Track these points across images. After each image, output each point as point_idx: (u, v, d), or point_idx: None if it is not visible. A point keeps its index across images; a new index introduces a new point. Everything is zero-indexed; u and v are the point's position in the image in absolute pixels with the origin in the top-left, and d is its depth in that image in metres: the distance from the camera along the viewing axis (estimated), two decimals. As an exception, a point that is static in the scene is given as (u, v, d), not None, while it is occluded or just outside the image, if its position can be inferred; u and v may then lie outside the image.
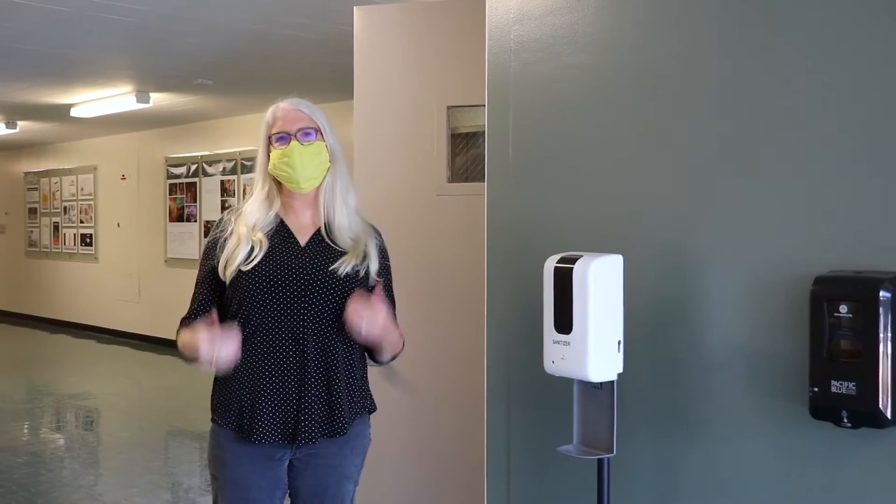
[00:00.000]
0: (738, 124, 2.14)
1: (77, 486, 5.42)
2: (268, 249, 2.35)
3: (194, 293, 2.44)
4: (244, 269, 2.33)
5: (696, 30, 2.22)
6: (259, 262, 2.34)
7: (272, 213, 2.41)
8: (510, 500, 2.59)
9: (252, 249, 2.35)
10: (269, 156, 2.41)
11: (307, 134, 2.38)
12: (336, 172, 2.43)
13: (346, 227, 2.41)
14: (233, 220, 2.43)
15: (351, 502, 2.48)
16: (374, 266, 2.41)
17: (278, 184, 2.42)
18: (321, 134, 2.40)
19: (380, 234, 2.51)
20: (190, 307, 2.43)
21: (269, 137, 2.41)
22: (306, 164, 2.36)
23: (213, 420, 2.43)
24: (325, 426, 2.36)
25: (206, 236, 2.47)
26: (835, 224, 1.98)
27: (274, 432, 2.32)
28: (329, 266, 2.35)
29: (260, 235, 2.37)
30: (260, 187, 2.44)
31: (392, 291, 2.51)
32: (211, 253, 2.41)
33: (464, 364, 3.09)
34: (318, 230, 2.41)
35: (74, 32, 5.64)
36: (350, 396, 2.40)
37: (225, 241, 2.39)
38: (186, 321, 2.39)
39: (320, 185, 2.42)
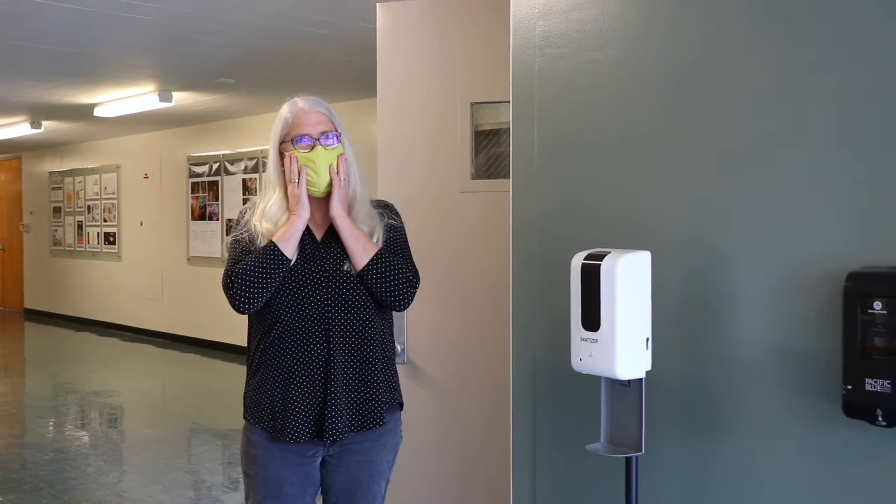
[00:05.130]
0: (767, 118, 2.11)
1: (102, 482, 5.46)
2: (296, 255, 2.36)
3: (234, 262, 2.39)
4: None
5: (722, 23, 2.19)
6: (292, 273, 2.34)
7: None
8: (536, 498, 2.57)
9: None
10: (281, 156, 2.38)
11: (328, 137, 2.37)
12: (350, 173, 2.42)
13: (357, 223, 2.40)
14: (252, 221, 2.41)
15: (382, 499, 2.48)
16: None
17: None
18: (340, 137, 2.40)
19: (388, 208, 2.51)
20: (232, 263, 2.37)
21: (288, 138, 2.37)
22: (325, 170, 2.36)
23: (245, 418, 2.44)
24: (357, 420, 2.36)
25: (228, 235, 2.45)
26: (868, 219, 1.94)
27: (305, 430, 2.33)
28: (342, 264, 2.36)
29: None
30: (273, 189, 2.40)
31: (402, 245, 2.47)
32: (238, 248, 2.40)
33: (489, 361, 3.07)
34: (332, 225, 2.41)
35: (98, 32, 5.67)
36: (386, 386, 2.41)
37: (249, 242, 2.38)
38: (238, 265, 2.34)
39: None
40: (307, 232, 2.40)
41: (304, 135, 2.35)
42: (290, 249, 2.32)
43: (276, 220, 2.37)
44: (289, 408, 2.33)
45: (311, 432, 2.33)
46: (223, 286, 2.34)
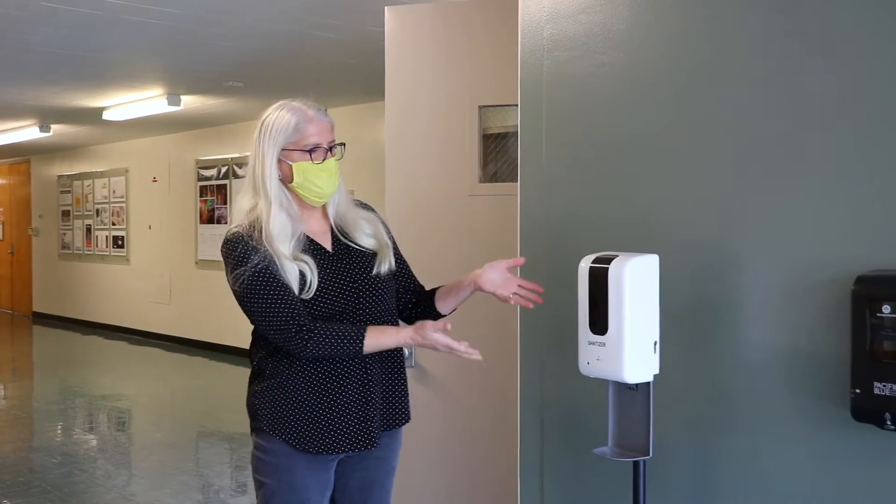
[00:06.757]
0: (776, 120, 2.10)
1: (110, 486, 5.47)
2: (318, 272, 2.27)
3: (277, 308, 2.21)
4: (305, 297, 2.24)
5: (731, 28, 2.18)
6: (317, 289, 2.26)
7: (299, 228, 2.30)
8: (544, 502, 2.56)
9: (302, 274, 2.25)
10: (278, 165, 2.28)
11: (336, 148, 2.32)
12: (341, 177, 2.39)
13: (361, 226, 2.38)
14: (266, 244, 2.23)
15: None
16: (391, 252, 2.43)
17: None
18: (343, 146, 2.35)
19: (374, 210, 2.49)
20: (289, 315, 2.21)
21: (297, 146, 2.26)
22: (336, 179, 2.32)
23: (262, 428, 2.33)
24: (390, 419, 2.40)
25: (237, 267, 2.26)
26: (877, 222, 1.94)
27: (343, 443, 2.30)
28: (368, 271, 2.35)
29: (306, 259, 2.26)
30: (268, 202, 2.26)
31: (403, 257, 2.54)
32: (270, 282, 2.22)
33: (497, 364, 3.06)
34: (332, 232, 2.38)
35: (107, 36, 5.69)
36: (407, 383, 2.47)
37: (272, 273, 2.22)
38: (306, 328, 2.21)
39: None
40: (317, 245, 2.33)
41: (318, 145, 2.27)
42: (369, 350, 2.25)
43: (287, 237, 2.25)
44: (327, 422, 2.27)
45: (346, 444, 2.30)
46: (288, 333, 2.20)
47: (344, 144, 2.35)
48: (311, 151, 2.27)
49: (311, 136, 2.27)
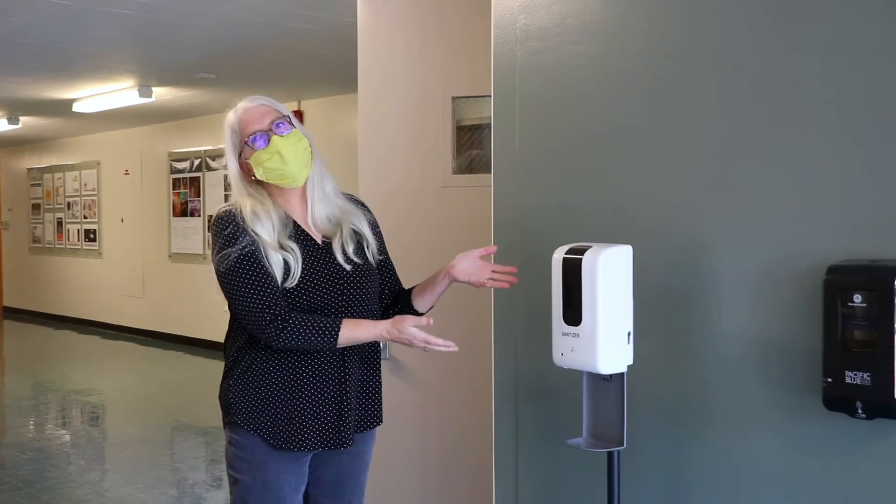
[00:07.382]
0: (749, 112, 2.11)
1: (83, 482, 5.42)
2: (302, 261, 2.26)
3: (256, 294, 2.20)
4: (288, 286, 2.24)
5: (705, 17, 2.19)
6: (300, 278, 2.25)
7: (281, 213, 2.29)
8: (518, 493, 2.57)
9: (286, 263, 2.24)
10: (239, 164, 2.30)
11: (280, 125, 2.28)
12: (316, 160, 2.35)
13: (323, 217, 2.34)
14: (246, 227, 2.24)
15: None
16: (373, 246, 2.40)
17: (262, 186, 2.31)
18: (292, 123, 2.32)
19: (366, 207, 2.48)
20: (267, 302, 2.19)
21: (244, 142, 2.28)
22: (295, 155, 2.27)
23: (237, 423, 2.31)
24: (364, 421, 2.38)
25: (221, 249, 2.25)
26: (849, 212, 1.95)
27: (316, 440, 2.28)
28: (346, 266, 2.32)
29: (291, 245, 2.26)
30: (249, 201, 2.27)
31: (390, 258, 2.53)
32: (252, 265, 2.21)
33: (471, 356, 3.06)
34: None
35: (77, 26, 5.62)
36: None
37: (256, 258, 2.21)
38: (280, 318, 2.19)
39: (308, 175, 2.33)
40: (306, 235, 2.32)
41: (255, 133, 2.27)
42: (343, 343, 2.23)
43: (270, 229, 2.24)
44: (296, 418, 2.26)
45: (320, 442, 2.29)
46: (262, 321, 2.19)
47: (288, 118, 2.32)
48: (251, 140, 2.28)
49: (249, 127, 2.29)
